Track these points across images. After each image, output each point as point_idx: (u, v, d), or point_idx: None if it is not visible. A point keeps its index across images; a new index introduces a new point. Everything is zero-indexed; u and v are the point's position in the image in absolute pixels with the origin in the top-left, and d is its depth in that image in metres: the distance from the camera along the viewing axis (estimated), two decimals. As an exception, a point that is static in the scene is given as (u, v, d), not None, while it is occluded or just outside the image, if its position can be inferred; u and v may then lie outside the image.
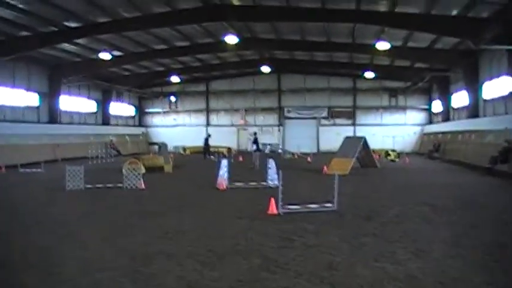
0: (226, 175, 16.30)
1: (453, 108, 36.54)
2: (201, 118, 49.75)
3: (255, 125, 46.55)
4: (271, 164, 16.66)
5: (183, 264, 7.16)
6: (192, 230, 9.48)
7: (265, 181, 16.75)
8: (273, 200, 11.29)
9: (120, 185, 16.26)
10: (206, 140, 35.98)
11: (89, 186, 16.08)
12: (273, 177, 16.45)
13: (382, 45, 27.84)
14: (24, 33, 26.09)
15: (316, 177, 20.42)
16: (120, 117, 47.47)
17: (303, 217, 10.77)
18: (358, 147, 23.25)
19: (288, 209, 11.32)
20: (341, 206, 11.77)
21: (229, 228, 9.67)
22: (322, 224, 10.10)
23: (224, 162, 16.70)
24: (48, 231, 9.51)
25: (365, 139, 24.14)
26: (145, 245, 8.35)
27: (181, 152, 43.92)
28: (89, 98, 41.68)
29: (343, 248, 8.08)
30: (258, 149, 26.04)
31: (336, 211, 11.49)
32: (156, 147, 36.17)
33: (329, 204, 11.83)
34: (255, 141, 26.07)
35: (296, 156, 35.99)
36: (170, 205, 12.70)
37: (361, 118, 46.13)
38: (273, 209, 11.19)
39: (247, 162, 27.40)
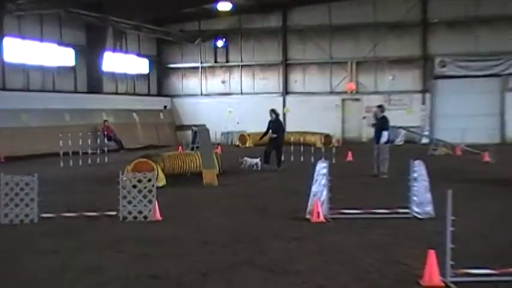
0: (325, 193, 11.74)
1: None
2: (273, 79, 38.87)
3: (376, 92, 36.19)
4: (420, 170, 11.59)
5: None
6: None
7: (408, 207, 11.72)
8: (433, 257, 6.82)
9: (111, 213, 11.43)
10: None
11: (47, 215, 11.26)
12: (422, 198, 11.54)
13: None
14: None
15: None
16: (123, 76, 38.30)
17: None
18: None
19: (467, 275, 6.95)
20: None
21: None
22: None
23: (321, 166, 12.05)
24: None
25: None
26: None
27: (237, 143, 36.14)
28: (59, 43, 33.12)
29: None
30: (388, 140, 20.39)
31: None
32: (190, 134, 28.07)
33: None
34: (382, 124, 19.83)
35: (459, 152, 28.45)
36: (210, 268, 7.82)
37: None
38: (433, 276, 6.87)
39: (363, 165, 21.51)
